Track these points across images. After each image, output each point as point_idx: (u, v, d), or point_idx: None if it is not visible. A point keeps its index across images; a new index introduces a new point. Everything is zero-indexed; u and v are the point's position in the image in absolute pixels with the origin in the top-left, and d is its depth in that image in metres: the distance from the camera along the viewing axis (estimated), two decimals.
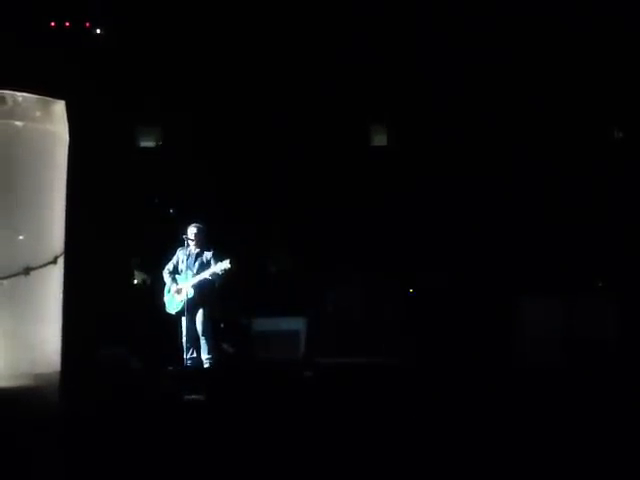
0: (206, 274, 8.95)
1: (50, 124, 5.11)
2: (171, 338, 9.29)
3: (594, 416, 5.82)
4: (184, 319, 9.01)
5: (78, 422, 5.24)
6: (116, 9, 12.15)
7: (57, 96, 5.23)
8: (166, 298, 9.25)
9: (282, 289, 11.52)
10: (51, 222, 5.13)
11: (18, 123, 4.93)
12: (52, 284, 5.09)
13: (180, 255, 9.22)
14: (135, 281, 12.05)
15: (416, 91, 12.31)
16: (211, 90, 12.35)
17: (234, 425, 5.60)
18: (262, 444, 5.11)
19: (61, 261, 5.11)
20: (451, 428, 5.55)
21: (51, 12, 12.00)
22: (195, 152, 12.27)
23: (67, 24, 12.21)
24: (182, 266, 9.17)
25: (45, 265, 4.94)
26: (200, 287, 9.00)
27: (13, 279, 4.79)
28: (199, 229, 9.16)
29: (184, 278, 9.11)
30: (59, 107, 5.20)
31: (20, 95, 4.96)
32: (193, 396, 6.71)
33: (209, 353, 9.04)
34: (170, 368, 8.95)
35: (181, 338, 9.05)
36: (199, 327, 9.05)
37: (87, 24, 12.45)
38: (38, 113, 5.03)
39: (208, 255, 9.07)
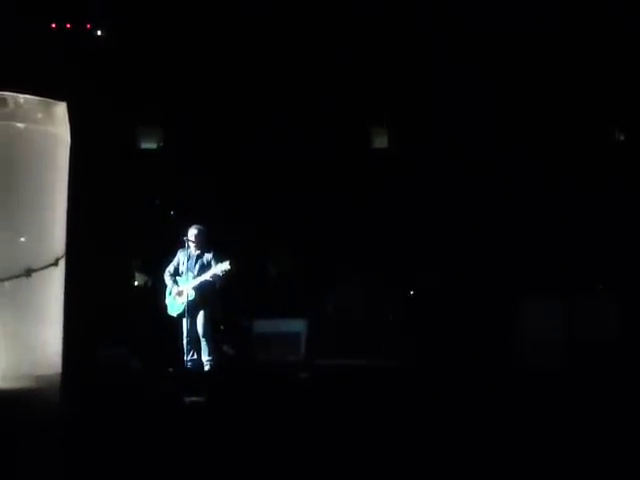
0: (207, 276, 8.96)
1: (51, 126, 5.12)
2: (172, 339, 9.30)
3: (595, 417, 5.82)
4: (185, 321, 9.02)
5: (79, 423, 5.24)
6: (117, 10, 12.15)
7: (58, 98, 5.24)
8: (167, 300, 9.26)
9: (282, 291, 11.53)
10: (52, 224, 5.14)
11: (20, 125, 4.94)
12: (53, 286, 5.10)
13: (181, 257, 9.23)
14: (136, 283, 12.06)
15: (417, 93, 12.32)
16: (212, 92, 12.36)
17: (234, 427, 5.60)
18: (262, 446, 5.11)
19: (62, 263, 5.12)
20: (451, 429, 5.56)
21: (52, 14, 11.99)
22: (196, 154, 12.28)
23: (68, 26, 12.21)
24: (183, 268, 9.17)
25: (46, 267, 4.94)
26: (201, 289, 9.01)
27: (14, 281, 4.79)
28: (200, 231, 9.16)
29: (185, 280, 9.11)
30: (60, 109, 5.20)
31: (22, 97, 4.97)
32: (193, 398, 6.71)
33: (209, 355, 9.05)
34: (170, 369, 8.96)
35: (182, 340, 9.06)
36: (199, 329, 9.05)
37: (88, 26, 12.46)
38: (39, 115, 5.04)
39: (208, 257, 9.07)
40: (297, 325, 10.74)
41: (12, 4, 10.52)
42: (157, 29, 12.11)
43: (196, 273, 9.06)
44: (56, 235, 5.14)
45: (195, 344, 9.06)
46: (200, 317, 9.07)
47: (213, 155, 12.36)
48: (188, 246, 9.11)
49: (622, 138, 12.71)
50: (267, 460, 4.88)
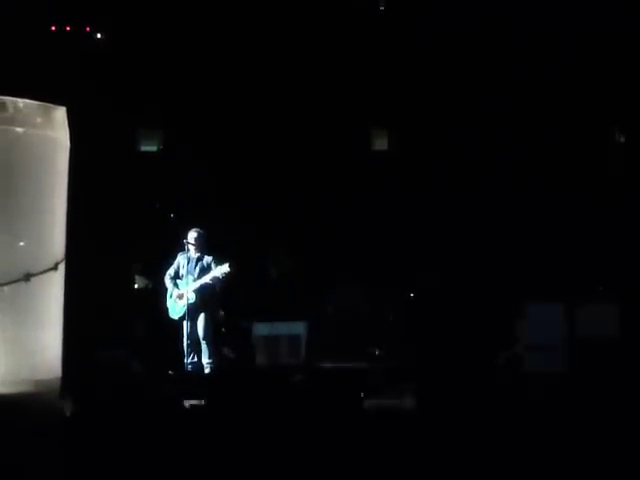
0: (206, 278, 8.97)
1: (51, 130, 5.10)
2: (172, 342, 9.30)
3: (599, 419, 5.81)
4: (185, 323, 9.03)
5: (78, 427, 5.24)
6: (116, 13, 12.15)
7: (58, 102, 5.23)
8: (168, 303, 9.27)
9: (283, 293, 11.53)
10: (52, 228, 5.12)
11: (19, 129, 4.92)
12: (53, 290, 5.08)
13: (181, 260, 9.24)
14: (136, 286, 12.06)
15: (417, 95, 12.32)
16: (212, 94, 12.35)
17: (234, 430, 5.59)
18: (261, 449, 5.11)
19: (62, 267, 5.10)
20: (452, 431, 5.55)
21: (51, 17, 11.99)
22: (196, 156, 12.28)
23: (67, 28, 12.21)
24: (183, 271, 9.18)
25: (46, 271, 4.92)
26: (201, 291, 9.02)
27: (14, 285, 4.77)
28: (199, 234, 9.18)
29: (185, 283, 9.12)
30: (60, 113, 5.19)
31: (21, 101, 4.95)
32: (193, 401, 6.71)
33: (210, 358, 9.06)
34: (171, 372, 8.96)
35: (182, 342, 9.06)
36: (200, 331, 9.06)
37: (87, 28, 12.45)
38: (39, 119, 5.02)
39: (208, 259, 9.09)
40: (297, 328, 10.73)
41: (11, 7, 10.51)
42: (156, 31, 12.12)
43: (196, 276, 9.07)
44: (56, 239, 5.12)
45: (195, 347, 9.08)
46: (200, 320, 9.08)
47: (213, 157, 12.36)
48: (188, 249, 9.13)
49: (622, 140, 12.70)
50: (267, 463, 4.88)
